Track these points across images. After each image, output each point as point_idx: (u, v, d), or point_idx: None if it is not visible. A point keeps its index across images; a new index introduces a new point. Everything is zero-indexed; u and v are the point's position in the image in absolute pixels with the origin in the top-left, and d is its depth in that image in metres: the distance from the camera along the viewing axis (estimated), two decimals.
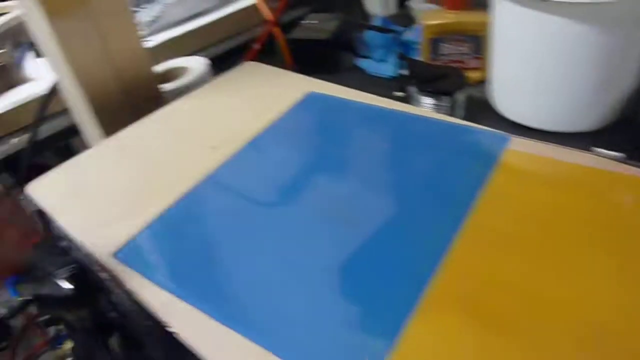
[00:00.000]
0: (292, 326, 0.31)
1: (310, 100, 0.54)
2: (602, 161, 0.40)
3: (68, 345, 1.31)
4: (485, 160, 0.41)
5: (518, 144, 0.42)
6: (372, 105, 0.51)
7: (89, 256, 0.41)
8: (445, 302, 0.31)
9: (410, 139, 0.45)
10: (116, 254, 0.39)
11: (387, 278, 0.33)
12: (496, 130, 0.44)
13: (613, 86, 0.54)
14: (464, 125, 0.46)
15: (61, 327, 1.23)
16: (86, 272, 0.47)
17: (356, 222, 0.38)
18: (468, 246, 0.34)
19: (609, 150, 0.49)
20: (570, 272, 0.32)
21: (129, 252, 0.39)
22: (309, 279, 0.34)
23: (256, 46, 0.76)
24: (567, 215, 0.36)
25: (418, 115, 0.48)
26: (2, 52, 0.79)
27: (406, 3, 0.88)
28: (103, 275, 0.40)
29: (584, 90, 0.54)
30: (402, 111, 0.49)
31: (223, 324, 0.32)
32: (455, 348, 0.29)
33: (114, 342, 0.65)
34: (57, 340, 1.40)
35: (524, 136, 0.44)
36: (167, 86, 0.70)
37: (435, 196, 0.39)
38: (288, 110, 0.52)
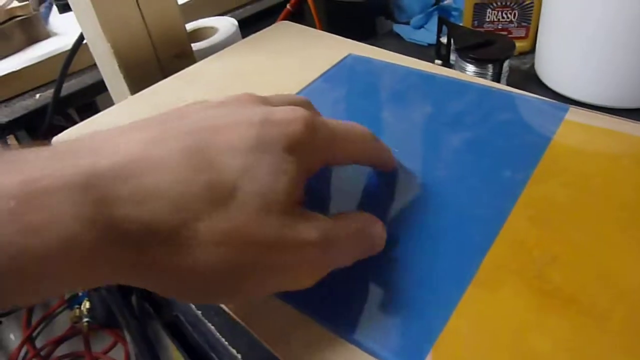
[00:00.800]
0: (338, 296, 0.29)
1: (350, 63, 0.51)
2: None
3: (85, 305, 1.32)
4: (543, 131, 0.38)
5: (577, 115, 0.39)
6: (417, 70, 0.48)
7: None
8: (502, 275, 0.29)
9: (462, 106, 0.42)
10: None
11: (442, 250, 0.31)
12: (554, 101, 0.41)
13: None
14: (520, 93, 0.42)
15: None
16: None
17: (403, 191, 0.35)
18: (526, 217, 0.32)
19: None
20: (635, 248, 0.29)
21: None
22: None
23: (289, 7, 0.73)
24: (630, 188, 0.33)
25: (469, 82, 0.45)
26: (25, 4, 0.77)
27: None
28: None
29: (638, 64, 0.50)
30: (451, 77, 0.46)
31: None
32: (511, 318, 0.27)
33: (133, 302, 0.65)
34: (74, 300, 1.42)
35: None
36: (195, 45, 0.68)
37: (491, 168, 0.36)
38: (325, 72, 0.49)
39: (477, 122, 0.40)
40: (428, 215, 0.33)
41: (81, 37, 0.65)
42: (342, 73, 0.49)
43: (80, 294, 1.32)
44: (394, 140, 0.39)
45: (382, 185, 0.36)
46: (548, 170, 0.35)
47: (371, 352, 0.26)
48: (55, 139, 0.46)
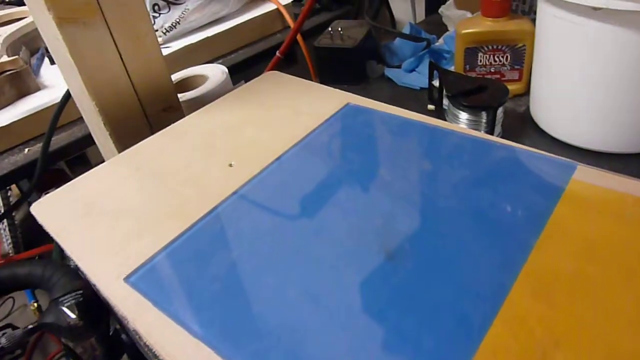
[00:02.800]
0: None
1: (348, 113, 0.49)
2: None
3: None
4: (548, 194, 0.36)
5: (585, 174, 0.38)
6: (418, 121, 0.46)
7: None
8: (503, 358, 0.26)
9: (465, 164, 0.41)
10: (127, 279, 0.35)
11: (435, 325, 0.29)
12: (561, 157, 0.39)
13: None
14: (525, 149, 0.41)
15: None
16: (95, 298, 0.44)
17: (399, 256, 0.33)
18: (528, 292, 0.30)
19: None
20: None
21: (141, 277, 0.35)
22: (344, 322, 0.30)
23: (278, 54, 0.72)
24: (638, 257, 0.31)
25: (471, 135, 0.43)
26: (15, 59, 0.76)
27: (439, 9, 0.83)
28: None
29: (638, 109, 0.49)
30: (452, 130, 0.44)
31: None
32: None
33: None
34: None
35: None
36: (185, 95, 0.67)
37: (493, 234, 0.34)
38: (324, 123, 0.48)
39: (479, 182, 0.39)
40: (423, 290, 0.31)
41: (68, 93, 0.64)
42: (340, 125, 0.48)
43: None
44: (393, 201, 0.38)
45: (377, 250, 0.34)
46: (553, 237, 0.33)
47: None
48: (32, 207, 0.44)
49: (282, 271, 0.34)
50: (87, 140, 0.72)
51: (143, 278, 0.35)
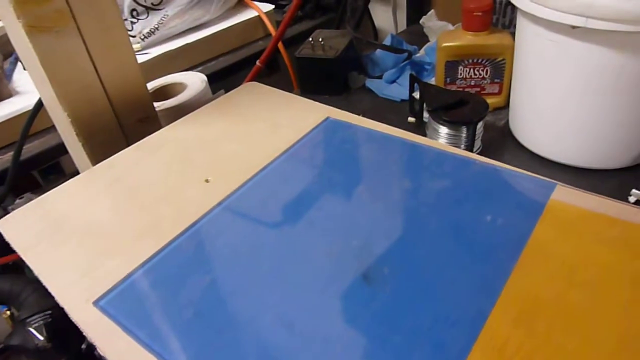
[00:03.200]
0: None
1: (328, 127, 0.49)
2: None
3: None
4: (527, 214, 0.36)
5: (563, 194, 0.37)
6: (398, 137, 0.46)
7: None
8: None
9: (444, 183, 0.40)
10: (96, 302, 0.34)
11: (412, 353, 0.28)
12: (540, 177, 0.39)
13: None
14: (504, 167, 0.40)
15: None
16: (64, 318, 0.43)
17: (377, 279, 0.33)
18: (507, 318, 0.29)
19: None
20: (628, 353, 0.27)
21: (111, 301, 0.34)
22: (320, 351, 0.29)
23: (259, 63, 0.71)
24: (618, 281, 0.31)
25: (451, 153, 0.43)
26: None
27: (421, 20, 0.83)
28: None
29: (617, 126, 0.49)
30: (432, 147, 0.44)
31: None
32: None
33: None
34: None
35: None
36: (163, 104, 0.66)
37: (470, 254, 0.34)
38: (303, 138, 0.47)
39: (457, 203, 0.38)
40: (399, 315, 0.30)
41: (40, 102, 0.62)
42: (319, 141, 0.47)
43: None
44: (372, 221, 0.37)
45: (354, 273, 0.33)
46: (532, 259, 0.33)
47: None
48: (3, 221, 0.43)
49: (258, 296, 0.33)
50: (61, 148, 0.70)
51: (113, 302, 0.34)
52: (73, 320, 0.34)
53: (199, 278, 0.35)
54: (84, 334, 0.34)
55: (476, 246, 0.34)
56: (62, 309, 0.41)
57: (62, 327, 0.42)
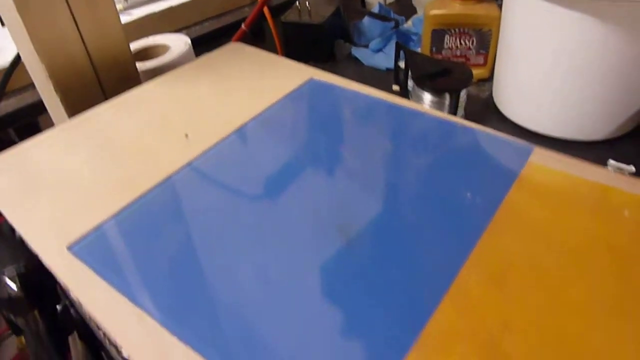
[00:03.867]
0: (272, 356, 0.26)
1: (311, 88, 0.48)
2: (636, 184, 0.35)
3: None
4: (504, 176, 0.36)
5: (541, 157, 0.38)
6: (380, 99, 0.45)
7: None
8: (447, 340, 0.26)
9: (423, 143, 0.40)
10: (71, 247, 0.34)
11: (387, 305, 0.28)
12: (518, 140, 0.39)
13: (632, 95, 0.49)
14: (483, 130, 0.41)
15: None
16: (40, 269, 0.42)
17: (353, 235, 0.33)
18: (478, 274, 0.30)
19: (622, 162, 0.45)
20: (597, 311, 0.27)
21: (86, 247, 0.34)
22: (296, 302, 0.29)
23: (243, 27, 0.70)
24: (592, 243, 0.31)
25: (432, 115, 0.43)
26: None
27: None
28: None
29: (600, 98, 0.49)
30: (414, 109, 0.44)
31: (189, 346, 0.27)
32: None
33: (73, 340, 0.60)
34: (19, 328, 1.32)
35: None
36: (144, 64, 0.64)
37: (446, 212, 0.34)
38: (285, 97, 0.47)
39: (435, 163, 0.38)
40: (374, 269, 0.31)
41: (18, 56, 0.60)
42: (302, 100, 0.47)
43: None
44: (351, 180, 0.37)
45: (331, 229, 0.33)
46: (506, 220, 0.33)
47: None
48: None
49: (235, 248, 0.33)
50: (39, 107, 0.69)
51: (88, 247, 0.33)
52: (47, 266, 0.34)
53: (174, 228, 0.35)
54: (58, 279, 0.33)
55: (451, 205, 0.35)
56: (36, 261, 0.40)
57: (35, 279, 0.42)
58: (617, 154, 0.50)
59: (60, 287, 0.46)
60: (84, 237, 0.34)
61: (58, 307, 0.52)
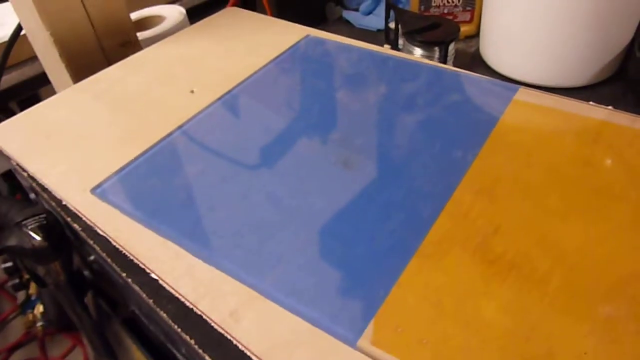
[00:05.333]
0: (285, 267, 0.29)
1: (308, 43, 0.51)
2: (610, 114, 0.38)
3: (39, 309, 1.28)
4: (492, 111, 0.39)
5: (526, 95, 0.41)
6: (373, 51, 0.48)
7: (60, 204, 0.38)
8: (446, 245, 0.29)
9: (415, 87, 0.43)
10: (94, 190, 0.36)
11: (388, 220, 0.31)
12: (504, 82, 0.42)
13: (611, 41, 0.52)
14: (471, 75, 0.44)
15: (31, 291, 1.18)
16: (58, 224, 0.45)
17: (356, 165, 0.36)
18: (471, 190, 0.33)
19: (602, 104, 0.48)
20: (574, 215, 0.31)
21: (108, 188, 0.37)
22: (304, 221, 0.32)
23: None
24: (569, 162, 0.34)
25: (423, 63, 0.46)
26: None
27: None
28: (75, 226, 0.37)
29: (580, 46, 0.52)
30: (405, 59, 0.47)
31: (210, 263, 0.30)
32: (454, 286, 0.27)
33: (88, 301, 0.63)
34: (27, 305, 1.36)
35: None
36: (142, 34, 0.66)
37: (441, 146, 0.37)
38: (284, 52, 0.49)
39: (429, 102, 0.41)
40: (376, 190, 0.34)
41: (19, 27, 0.62)
42: (300, 54, 0.49)
43: (33, 297, 1.27)
44: (351, 119, 0.40)
45: (335, 161, 0.36)
46: (495, 147, 0.36)
47: (313, 321, 0.26)
48: None
49: (246, 180, 0.36)
50: (40, 80, 0.71)
51: (109, 189, 0.36)
52: (72, 208, 0.36)
53: (190, 167, 0.37)
54: (84, 219, 0.36)
55: (446, 136, 0.38)
56: (54, 216, 0.43)
57: (56, 230, 0.44)
58: (598, 97, 0.53)
59: (76, 247, 0.49)
60: (104, 181, 0.37)
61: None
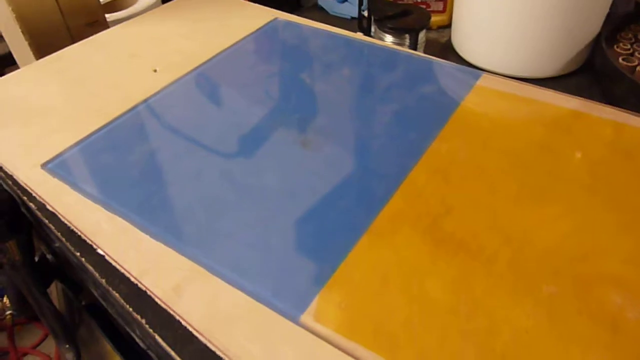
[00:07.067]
0: (233, 243, 0.29)
1: (275, 26, 0.50)
2: (573, 101, 0.39)
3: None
4: (454, 95, 0.39)
5: (488, 81, 0.41)
6: (340, 34, 0.48)
7: (15, 182, 0.37)
8: (396, 224, 0.29)
9: (380, 71, 0.43)
10: (45, 165, 0.35)
11: (341, 199, 0.31)
12: (468, 68, 0.42)
13: (578, 33, 0.53)
14: (436, 60, 0.43)
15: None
16: (13, 203, 0.43)
17: (315, 146, 0.35)
18: (427, 172, 0.33)
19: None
20: (527, 199, 0.31)
21: (59, 164, 0.36)
22: (258, 199, 0.31)
23: None
24: (525, 145, 0.35)
25: (389, 47, 0.46)
26: None
27: None
28: (31, 205, 0.36)
29: (548, 37, 0.53)
30: (372, 43, 0.46)
31: (157, 239, 0.29)
32: (403, 264, 0.27)
33: (52, 290, 0.62)
34: None
35: None
36: (113, 15, 0.65)
37: (401, 128, 0.37)
38: (251, 34, 0.49)
39: (394, 86, 0.41)
40: (333, 170, 0.33)
41: None
42: (267, 36, 0.49)
43: (1, 286, 1.25)
44: (312, 100, 0.39)
45: (293, 140, 0.36)
46: (453, 130, 0.36)
47: (257, 297, 0.26)
48: None
49: (201, 158, 0.35)
50: (7, 59, 0.69)
51: (61, 165, 0.35)
52: (21, 183, 0.36)
53: (146, 145, 0.37)
54: (33, 195, 0.35)
55: (407, 119, 0.37)
56: (11, 197, 0.42)
57: (11, 211, 0.43)
58: (564, 88, 0.53)
59: (37, 236, 0.48)
60: (55, 157, 0.36)
61: (35, 258, 0.54)
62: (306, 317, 0.25)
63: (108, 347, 0.51)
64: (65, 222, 0.32)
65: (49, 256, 0.55)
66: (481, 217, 0.30)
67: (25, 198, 0.36)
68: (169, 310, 0.27)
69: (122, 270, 0.29)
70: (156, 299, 0.27)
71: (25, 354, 1.31)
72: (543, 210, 0.30)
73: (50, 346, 1.32)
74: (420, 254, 0.28)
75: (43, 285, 0.59)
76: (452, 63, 0.43)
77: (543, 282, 0.26)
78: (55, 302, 0.66)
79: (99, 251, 0.30)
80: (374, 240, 0.28)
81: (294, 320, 0.25)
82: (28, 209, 0.38)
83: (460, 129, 0.36)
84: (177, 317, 0.26)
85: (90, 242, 0.31)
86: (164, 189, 0.33)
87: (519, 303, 0.25)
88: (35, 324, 1.30)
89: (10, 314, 1.25)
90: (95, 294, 0.42)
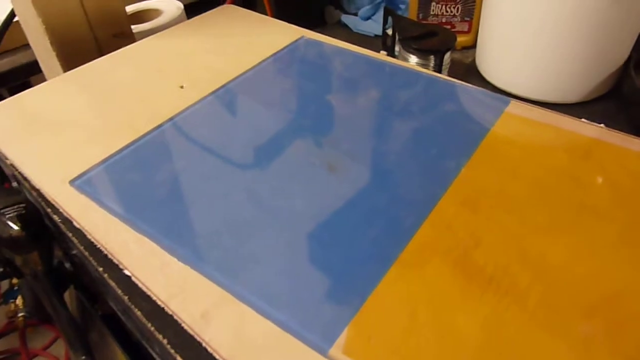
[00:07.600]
0: (261, 269, 0.28)
1: (302, 45, 0.50)
2: (601, 132, 0.38)
3: (21, 299, 1.26)
4: (482, 122, 0.39)
5: (516, 108, 0.40)
6: (367, 56, 0.48)
7: (40, 194, 0.37)
8: (426, 255, 0.29)
9: (408, 94, 0.43)
10: (72, 182, 0.36)
11: (369, 226, 0.31)
12: (496, 93, 0.42)
13: (606, 58, 0.52)
14: (464, 85, 0.43)
15: (15, 281, 1.17)
16: (38, 214, 0.44)
17: (341, 169, 0.35)
18: (456, 201, 0.32)
19: (594, 122, 0.48)
20: (558, 231, 0.30)
21: (87, 181, 0.36)
22: (285, 223, 0.31)
23: None
24: (555, 176, 0.34)
25: (417, 71, 0.46)
26: None
27: None
28: (55, 218, 0.37)
29: (575, 62, 0.52)
30: (400, 65, 0.46)
31: (185, 262, 0.29)
32: (432, 297, 0.27)
33: (70, 295, 0.62)
34: (9, 294, 1.35)
35: None
36: (137, 27, 0.66)
37: (430, 154, 0.36)
38: (278, 52, 0.49)
39: (421, 110, 0.41)
40: (360, 195, 0.33)
41: (12, 14, 0.61)
42: (294, 55, 0.49)
43: (15, 287, 1.26)
44: (339, 122, 0.39)
45: (320, 163, 0.36)
46: (483, 158, 0.36)
47: (285, 326, 0.26)
48: None
49: (228, 178, 0.35)
50: (32, 67, 0.70)
51: (89, 182, 0.35)
52: (49, 199, 0.36)
53: (172, 164, 0.37)
54: (60, 211, 0.35)
55: (435, 145, 0.37)
56: (34, 206, 0.42)
57: (35, 221, 0.43)
58: (590, 114, 0.53)
59: (56, 239, 0.48)
60: (84, 173, 0.36)
61: (54, 262, 0.54)
62: (335, 351, 0.25)
63: (119, 352, 0.51)
64: (92, 239, 0.32)
65: (66, 264, 0.56)
66: (512, 250, 0.29)
67: (49, 210, 0.37)
68: (196, 337, 0.27)
69: (149, 293, 0.29)
70: (183, 325, 0.27)
71: (35, 356, 1.32)
72: (574, 245, 0.29)
73: (60, 348, 1.32)
74: (451, 287, 0.27)
75: (60, 292, 0.59)
76: (478, 88, 0.43)
77: (577, 321, 0.25)
78: (69, 305, 0.66)
79: (126, 272, 0.30)
80: (403, 272, 0.28)
81: (323, 353, 0.25)
82: (52, 220, 0.38)
83: (489, 157, 0.36)
84: (204, 344, 0.26)
85: (117, 262, 0.31)
86: (191, 210, 0.33)
87: (552, 342, 0.25)
88: (46, 327, 1.31)
89: (22, 316, 1.26)
90: (115, 307, 0.42)
